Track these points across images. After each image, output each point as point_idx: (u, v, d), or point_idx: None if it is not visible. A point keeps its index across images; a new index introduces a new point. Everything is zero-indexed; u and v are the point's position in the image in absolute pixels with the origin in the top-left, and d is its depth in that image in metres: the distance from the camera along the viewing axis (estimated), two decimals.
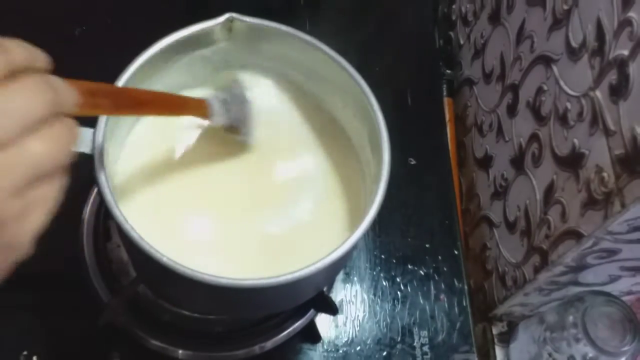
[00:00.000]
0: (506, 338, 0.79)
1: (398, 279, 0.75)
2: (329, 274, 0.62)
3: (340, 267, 0.66)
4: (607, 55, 0.57)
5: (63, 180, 0.35)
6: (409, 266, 0.76)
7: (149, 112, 0.52)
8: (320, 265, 0.48)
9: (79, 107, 0.37)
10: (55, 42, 0.83)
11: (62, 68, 0.82)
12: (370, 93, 0.55)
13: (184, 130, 0.60)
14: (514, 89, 0.76)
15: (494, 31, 0.84)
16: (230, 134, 0.57)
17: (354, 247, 0.51)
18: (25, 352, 0.64)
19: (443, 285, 0.76)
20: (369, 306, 0.73)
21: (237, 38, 0.58)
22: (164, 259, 0.46)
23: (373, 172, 0.56)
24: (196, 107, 0.54)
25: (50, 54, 0.84)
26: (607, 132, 0.56)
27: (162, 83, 0.58)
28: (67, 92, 0.36)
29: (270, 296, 0.53)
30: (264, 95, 0.63)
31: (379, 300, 0.74)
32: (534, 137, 0.70)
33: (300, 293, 0.58)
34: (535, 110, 0.71)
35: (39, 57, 0.36)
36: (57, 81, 0.36)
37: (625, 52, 0.54)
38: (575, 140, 0.62)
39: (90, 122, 0.51)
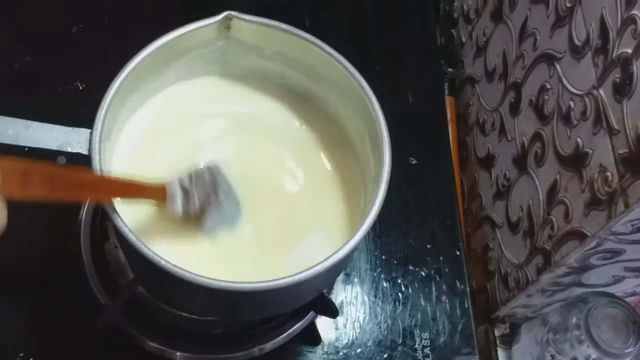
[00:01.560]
0: (508, 340, 0.78)
1: (399, 280, 0.75)
2: (330, 276, 0.61)
3: (341, 269, 0.66)
4: (611, 53, 0.57)
5: None
6: (410, 267, 0.76)
7: (95, 196, 0.49)
8: (320, 267, 0.47)
9: (2, 187, 0.37)
10: (52, 41, 0.84)
11: (60, 66, 0.82)
12: (371, 92, 0.55)
13: (185, 129, 0.60)
14: (517, 87, 0.76)
15: (496, 29, 0.83)
16: (189, 222, 0.54)
17: (355, 248, 0.50)
18: (22, 354, 0.64)
19: (444, 287, 0.75)
20: (370, 308, 0.73)
21: (235, 37, 0.57)
22: (162, 262, 0.45)
23: (373, 172, 0.55)
24: (153, 193, 0.51)
25: (47, 52, 0.85)
26: (611, 131, 0.56)
27: (160, 82, 0.58)
28: None
29: (270, 299, 0.53)
30: (264, 95, 0.62)
31: (379, 301, 0.73)
32: (537, 136, 0.70)
33: (300, 295, 0.57)
34: (538, 109, 0.70)
35: None
36: None
37: (629, 50, 0.54)
38: (579, 140, 0.61)
39: (87, 121, 0.50)
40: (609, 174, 0.56)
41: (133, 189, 0.50)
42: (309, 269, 0.47)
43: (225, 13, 0.55)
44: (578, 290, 0.68)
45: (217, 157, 0.58)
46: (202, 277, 0.45)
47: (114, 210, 0.47)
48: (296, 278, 0.46)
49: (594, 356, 0.63)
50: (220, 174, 0.55)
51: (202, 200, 0.52)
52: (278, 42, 0.58)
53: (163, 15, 0.84)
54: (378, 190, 0.51)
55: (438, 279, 0.76)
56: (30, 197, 0.41)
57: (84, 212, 0.68)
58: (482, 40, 0.88)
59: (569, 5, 0.65)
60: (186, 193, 0.52)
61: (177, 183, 0.52)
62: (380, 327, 0.72)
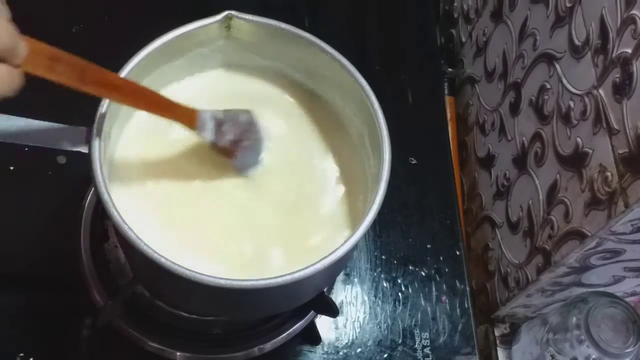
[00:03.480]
0: (508, 340, 0.78)
1: (399, 280, 0.75)
2: (330, 274, 0.61)
3: (340, 267, 0.66)
4: (611, 53, 0.57)
5: None
6: (410, 267, 0.76)
7: (123, 100, 0.49)
8: (320, 266, 0.47)
9: (27, 62, 0.39)
10: (52, 40, 0.83)
11: None
12: (371, 92, 0.55)
13: (186, 131, 0.60)
14: (517, 87, 0.76)
15: (496, 29, 0.83)
16: (218, 155, 0.55)
17: (355, 248, 0.50)
18: (21, 354, 0.64)
19: (444, 287, 0.75)
20: (370, 307, 0.73)
21: (236, 36, 0.57)
22: (162, 260, 0.45)
23: (373, 171, 0.55)
24: (183, 114, 0.52)
25: None
26: (611, 131, 0.56)
27: (160, 81, 0.58)
28: (15, 45, 0.39)
29: (270, 297, 0.53)
30: (264, 94, 0.62)
31: (379, 301, 0.73)
32: (537, 136, 0.70)
33: (300, 294, 0.57)
34: (538, 108, 0.70)
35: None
36: (10, 34, 0.39)
37: (629, 50, 0.54)
38: (579, 139, 0.61)
39: (89, 120, 0.50)
40: (608, 173, 0.56)
41: (162, 104, 0.50)
42: (309, 267, 0.47)
43: (226, 12, 0.55)
44: (578, 290, 0.68)
45: (216, 161, 0.58)
46: (202, 274, 0.45)
47: (113, 207, 0.47)
48: (296, 276, 0.46)
49: (594, 356, 0.63)
50: (256, 122, 0.56)
51: (236, 136, 0.54)
52: (278, 41, 0.58)
53: (163, 15, 0.84)
54: (378, 190, 0.51)
55: (438, 278, 0.76)
56: (56, 80, 0.42)
57: (84, 212, 0.68)
58: (482, 40, 0.88)
59: (568, 5, 0.65)
60: (219, 125, 0.53)
61: (210, 113, 0.53)
62: (380, 327, 0.72)
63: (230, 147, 0.55)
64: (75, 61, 0.44)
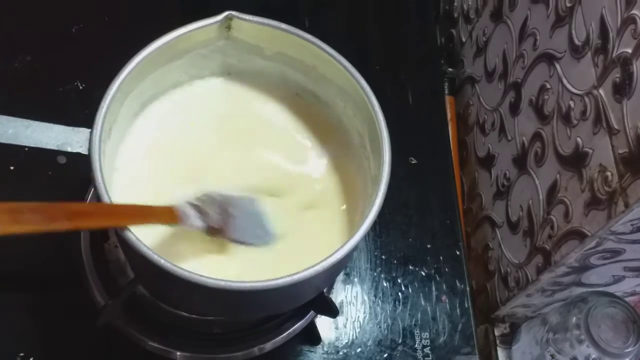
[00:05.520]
0: (508, 339, 0.78)
1: (399, 280, 0.75)
2: (329, 275, 0.61)
3: (340, 268, 0.66)
4: (611, 53, 0.57)
5: None
6: (410, 267, 0.76)
7: (100, 223, 0.47)
8: (320, 267, 0.47)
9: None
10: (52, 41, 0.84)
11: (60, 66, 0.82)
12: (371, 92, 0.55)
13: (185, 130, 0.60)
14: (517, 87, 0.76)
15: (496, 29, 0.83)
16: (216, 237, 0.53)
17: (355, 249, 0.50)
18: (22, 354, 0.64)
19: (444, 286, 0.75)
20: (370, 307, 0.73)
21: (236, 36, 0.57)
22: (162, 261, 0.45)
23: (373, 172, 0.55)
24: (162, 215, 0.50)
25: (47, 52, 0.84)
26: (611, 131, 0.56)
27: (160, 82, 0.58)
28: None
29: (269, 298, 0.53)
30: (264, 94, 0.62)
31: (379, 301, 0.73)
32: (537, 136, 0.70)
33: (300, 295, 0.57)
34: (538, 108, 0.70)
35: None
36: None
37: (629, 50, 0.54)
38: (579, 139, 0.61)
39: (87, 121, 0.50)
40: (608, 173, 0.56)
41: (138, 214, 0.48)
42: (309, 268, 0.47)
43: (226, 13, 0.55)
44: (578, 290, 0.68)
45: (218, 158, 0.59)
46: (202, 276, 0.45)
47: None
48: (295, 277, 0.46)
49: (593, 356, 0.63)
50: (226, 195, 0.54)
51: (221, 213, 0.52)
52: (278, 42, 0.58)
53: (163, 15, 0.84)
54: (378, 190, 0.51)
55: (438, 278, 0.76)
56: (24, 231, 0.40)
57: None
58: (482, 40, 0.88)
59: (569, 5, 0.65)
60: (200, 211, 0.51)
61: (187, 204, 0.51)
62: (380, 327, 0.72)
63: (221, 225, 0.52)
64: (36, 205, 0.41)
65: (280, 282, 0.46)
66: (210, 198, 0.52)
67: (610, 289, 0.67)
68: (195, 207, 0.51)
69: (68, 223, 0.43)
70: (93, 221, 0.46)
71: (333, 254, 0.48)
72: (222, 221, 0.52)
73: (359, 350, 0.70)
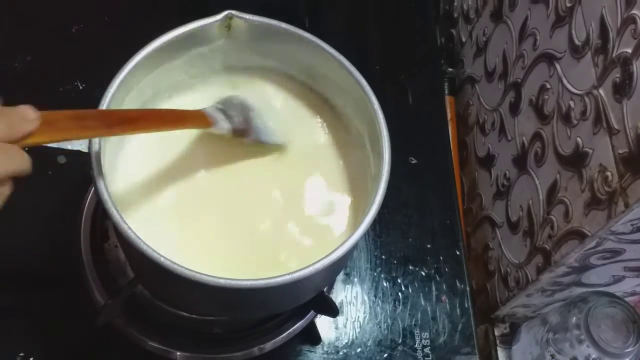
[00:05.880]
0: (508, 339, 0.78)
1: (399, 280, 0.75)
2: (329, 274, 0.61)
3: (340, 267, 0.66)
4: (611, 53, 0.57)
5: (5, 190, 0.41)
6: (410, 267, 0.76)
7: (145, 129, 0.50)
8: (319, 265, 0.47)
9: (41, 134, 0.40)
10: (52, 41, 0.84)
11: (60, 66, 0.82)
12: (371, 92, 0.55)
13: (185, 130, 0.60)
14: (517, 87, 0.76)
15: (496, 29, 0.83)
16: (240, 138, 0.57)
17: (354, 247, 0.50)
18: (22, 354, 0.64)
19: (445, 286, 0.75)
20: (370, 307, 0.73)
21: (236, 36, 0.57)
22: (162, 259, 0.45)
23: (373, 171, 0.55)
24: (195, 118, 0.54)
25: (47, 52, 0.84)
26: (611, 131, 0.56)
27: (160, 81, 0.58)
28: (20, 124, 0.40)
29: (269, 297, 0.53)
30: (263, 95, 0.62)
31: (379, 301, 0.73)
32: (537, 136, 0.70)
33: (300, 293, 0.57)
34: (538, 108, 0.70)
35: None
36: (12, 113, 0.40)
37: (629, 50, 0.54)
38: (579, 139, 0.61)
39: None
40: (608, 173, 0.56)
41: (179, 117, 0.53)
42: (308, 266, 0.47)
43: (226, 12, 0.55)
44: (578, 290, 0.68)
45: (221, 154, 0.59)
46: (202, 274, 0.45)
47: (113, 207, 0.47)
48: (295, 276, 0.46)
49: (593, 356, 0.63)
50: (245, 99, 0.59)
51: (244, 116, 0.57)
52: (278, 41, 0.58)
53: (163, 15, 0.84)
54: (377, 189, 0.51)
55: (438, 278, 0.76)
56: (88, 136, 0.46)
57: (84, 212, 0.68)
58: (482, 40, 0.88)
59: (569, 5, 0.65)
60: (225, 114, 0.55)
61: (212, 107, 0.55)
62: (380, 327, 0.72)
63: (244, 126, 0.57)
64: (95, 112, 0.47)
65: (280, 280, 0.46)
66: (230, 102, 0.57)
67: (610, 289, 0.67)
68: (221, 111, 0.55)
69: (124, 129, 0.47)
70: (140, 126, 0.49)
71: (333, 251, 0.48)
72: (244, 123, 0.57)
73: (359, 350, 0.70)
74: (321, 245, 0.54)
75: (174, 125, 0.52)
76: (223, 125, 0.55)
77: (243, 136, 0.57)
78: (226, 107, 0.56)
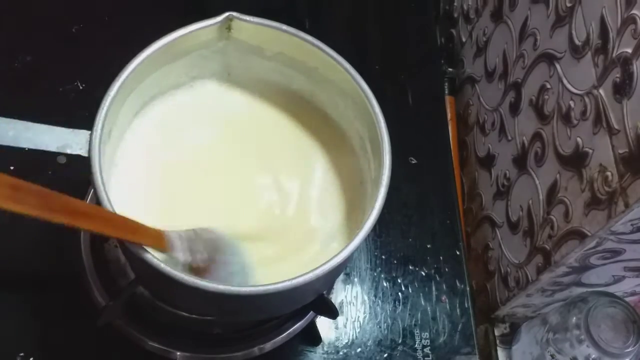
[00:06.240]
0: (508, 339, 0.78)
1: (399, 280, 0.75)
2: (329, 278, 0.61)
3: (340, 271, 0.66)
4: (611, 53, 0.57)
5: None
6: (410, 267, 0.76)
7: (90, 227, 0.45)
8: (319, 271, 0.47)
9: None
10: (52, 41, 0.84)
11: (60, 66, 0.82)
12: (371, 93, 0.54)
13: (186, 130, 0.60)
14: (517, 87, 0.76)
15: (496, 29, 0.83)
16: (194, 273, 0.51)
17: (355, 250, 0.50)
18: (22, 354, 0.64)
19: (445, 286, 0.75)
20: (370, 307, 0.73)
21: (236, 37, 0.57)
22: (162, 266, 0.45)
23: (374, 174, 0.55)
24: (151, 237, 0.48)
25: (47, 51, 0.84)
26: (611, 131, 0.56)
27: (161, 83, 0.58)
28: None
29: (269, 302, 0.53)
30: (264, 95, 0.62)
31: (379, 301, 0.73)
32: (537, 136, 0.70)
33: (299, 298, 0.57)
34: (538, 108, 0.70)
35: None
36: None
37: (629, 50, 0.54)
38: (579, 139, 0.61)
39: (87, 122, 0.50)
40: (608, 173, 0.56)
41: (131, 230, 0.47)
42: (308, 272, 0.47)
43: (226, 14, 0.55)
44: (578, 290, 0.68)
45: (218, 160, 0.59)
46: (202, 281, 0.45)
47: (113, 208, 0.47)
48: (295, 282, 0.46)
49: (593, 356, 0.63)
50: (219, 236, 0.54)
51: (209, 254, 0.52)
52: (279, 43, 0.58)
53: (164, 16, 0.84)
54: (378, 194, 0.50)
55: (438, 278, 0.76)
56: (20, 211, 0.39)
57: None
58: (482, 40, 0.88)
59: (569, 5, 0.65)
60: (188, 246, 0.51)
61: (177, 234, 0.50)
62: (380, 327, 0.72)
63: (204, 265, 0.51)
64: (39, 190, 0.40)
65: (279, 286, 0.46)
66: (200, 237, 0.52)
67: (610, 289, 0.67)
68: (186, 240, 0.50)
69: (64, 218, 0.42)
70: (88, 223, 0.45)
71: (333, 257, 0.48)
72: (205, 261, 0.51)
73: (359, 350, 0.70)
74: (320, 251, 0.54)
75: (125, 235, 0.47)
76: (179, 256, 0.50)
77: (199, 274, 0.51)
78: (194, 239, 0.51)
